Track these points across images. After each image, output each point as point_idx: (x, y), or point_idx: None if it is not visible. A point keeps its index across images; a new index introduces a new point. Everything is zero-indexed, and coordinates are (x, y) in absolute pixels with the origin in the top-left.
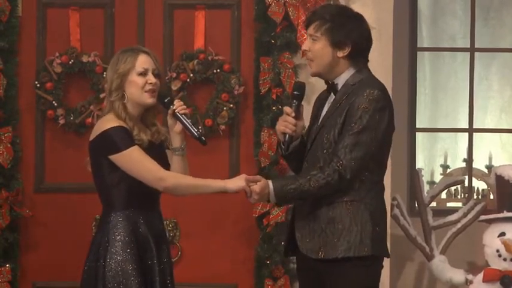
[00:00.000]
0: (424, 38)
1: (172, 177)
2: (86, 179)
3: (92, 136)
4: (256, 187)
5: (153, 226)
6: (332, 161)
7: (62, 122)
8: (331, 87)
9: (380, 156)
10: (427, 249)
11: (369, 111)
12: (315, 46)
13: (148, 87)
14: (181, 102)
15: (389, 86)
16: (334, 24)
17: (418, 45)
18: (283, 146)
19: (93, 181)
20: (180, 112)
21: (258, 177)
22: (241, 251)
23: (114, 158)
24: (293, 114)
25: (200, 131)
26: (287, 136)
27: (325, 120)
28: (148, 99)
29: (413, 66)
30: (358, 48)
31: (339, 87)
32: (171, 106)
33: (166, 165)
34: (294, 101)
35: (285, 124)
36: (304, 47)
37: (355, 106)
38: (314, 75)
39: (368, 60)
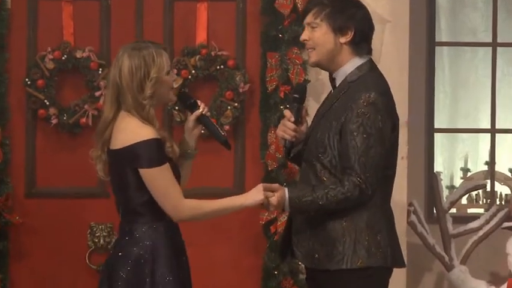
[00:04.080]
0: (443, 32)
1: (188, 210)
2: (80, 183)
3: (121, 143)
4: (274, 199)
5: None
6: (350, 174)
7: (54, 122)
8: (331, 82)
9: (387, 162)
10: (447, 258)
11: (370, 117)
12: (315, 34)
13: (173, 84)
14: (204, 104)
15: (405, 84)
16: (334, 9)
17: (437, 40)
18: (285, 150)
19: (113, 189)
20: (207, 115)
21: (275, 185)
22: (247, 260)
23: (143, 171)
24: (292, 119)
25: (224, 134)
26: (287, 141)
27: (319, 119)
28: (174, 97)
29: (431, 62)
30: (361, 33)
31: (337, 83)
32: (197, 108)
33: (179, 176)
34: (294, 104)
35: (284, 129)
36: (303, 36)
37: (353, 113)
38: (313, 64)
39: (371, 49)
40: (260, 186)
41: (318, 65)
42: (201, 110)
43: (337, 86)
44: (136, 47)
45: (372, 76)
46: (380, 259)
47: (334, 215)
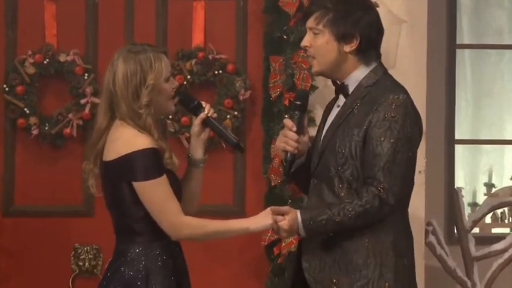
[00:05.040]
0: (465, 33)
1: (187, 228)
2: (64, 201)
3: (115, 154)
4: (284, 223)
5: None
6: (371, 184)
7: (35, 132)
8: (340, 88)
9: (412, 173)
10: (469, 283)
11: (398, 121)
12: (317, 41)
13: (172, 93)
14: (209, 105)
15: (423, 90)
16: (338, 14)
17: (458, 42)
18: (285, 165)
19: (107, 205)
20: (213, 117)
21: (286, 208)
22: (248, 285)
23: (138, 185)
24: (294, 129)
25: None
26: (288, 154)
27: (334, 129)
28: (173, 107)
29: (451, 67)
30: (368, 40)
31: (350, 89)
32: (201, 111)
33: (180, 190)
34: (296, 112)
35: (286, 140)
36: (305, 42)
37: (380, 117)
38: (317, 74)
39: (380, 54)
40: (268, 210)
41: (321, 74)
42: (206, 111)
43: (350, 92)
44: (133, 50)
45: (391, 79)
46: (406, 284)
47: (354, 235)
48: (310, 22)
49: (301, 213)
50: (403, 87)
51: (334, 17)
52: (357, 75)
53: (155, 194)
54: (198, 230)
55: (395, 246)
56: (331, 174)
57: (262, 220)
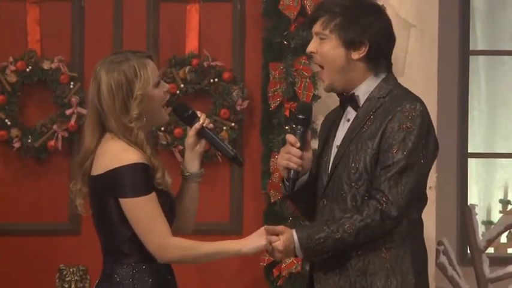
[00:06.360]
0: (479, 39)
1: (175, 251)
2: (48, 218)
3: (102, 168)
4: (278, 244)
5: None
6: (373, 197)
7: (17, 145)
8: (349, 100)
9: (422, 188)
10: None
11: (414, 132)
12: (324, 47)
13: (165, 98)
14: (204, 115)
15: (433, 100)
16: (346, 18)
17: (471, 48)
18: (287, 184)
19: (94, 223)
20: (209, 127)
21: (280, 228)
22: None
23: (124, 201)
24: (298, 145)
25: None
26: (292, 172)
27: (347, 144)
28: (167, 116)
29: (464, 75)
30: (377, 47)
31: (361, 100)
32: (196, 121)
33: (172, 210)
34: (299, 127)
35: (289, 157)
36: (310, 48)
37: (394, 126)
38: (329, 89)
39: (392, 64)
40: (262, 230)
41: (333, 88)
42: (201, 122)
43: (361, 104)
44: (115, 60)
45: (405, 88)
46: None
47: (370, 254)
48: (317, 27)
49: (297, 232)
50: (418, 97)
51: (341, 22)
52: (367, 85)
53: (142, 212)
54: (186, 252)
55: (414, 263)
56: (343, 192)
57: (255, 241)
